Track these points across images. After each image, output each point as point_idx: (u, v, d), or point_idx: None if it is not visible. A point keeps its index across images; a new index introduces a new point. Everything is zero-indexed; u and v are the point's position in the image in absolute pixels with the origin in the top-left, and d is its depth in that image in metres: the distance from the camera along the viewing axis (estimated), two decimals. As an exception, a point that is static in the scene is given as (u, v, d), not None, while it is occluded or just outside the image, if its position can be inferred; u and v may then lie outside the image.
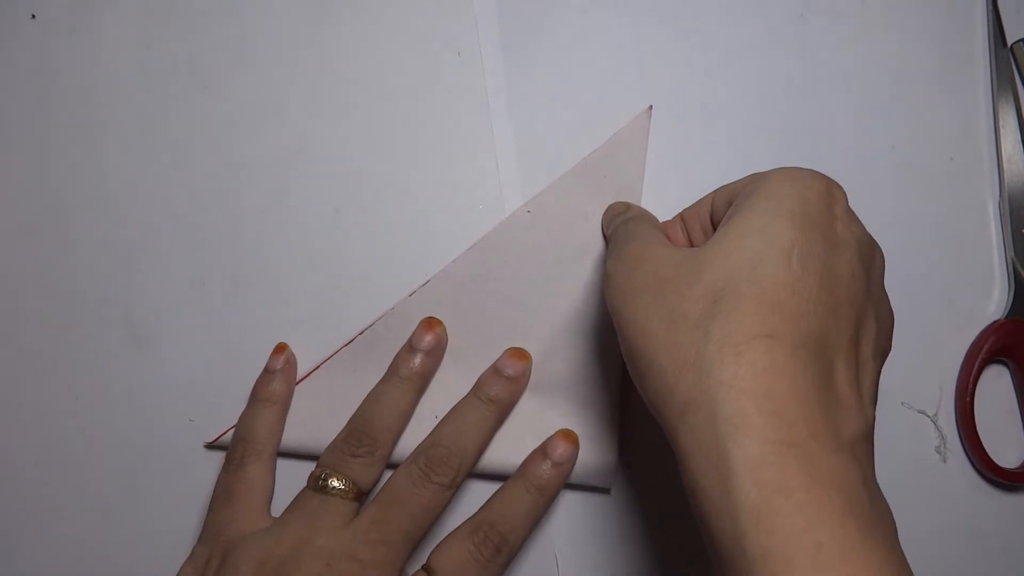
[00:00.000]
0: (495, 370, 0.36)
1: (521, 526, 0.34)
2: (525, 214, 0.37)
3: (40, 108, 0.39)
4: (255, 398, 0.37)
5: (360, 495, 0.34)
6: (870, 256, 0.28)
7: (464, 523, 0.34)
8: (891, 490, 0.38)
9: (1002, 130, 0.40)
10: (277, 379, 0.37)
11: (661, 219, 0.35)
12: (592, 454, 0.37)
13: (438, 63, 0.39)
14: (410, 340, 0.37)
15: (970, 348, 0.39)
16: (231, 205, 0.39)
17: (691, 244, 0.33)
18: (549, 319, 0.37)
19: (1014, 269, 0.39)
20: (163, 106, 0.39)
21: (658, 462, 0.38)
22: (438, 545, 0.34)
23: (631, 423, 0.38)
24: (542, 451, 0.36)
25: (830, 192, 0.27)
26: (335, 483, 0.34)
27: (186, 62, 0.39)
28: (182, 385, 0.38)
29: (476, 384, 0.36)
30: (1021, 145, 0.40)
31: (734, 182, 0.30)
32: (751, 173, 0.30)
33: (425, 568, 0.34)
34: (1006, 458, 0.39)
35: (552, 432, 0.37)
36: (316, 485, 0.34)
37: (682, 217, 0.33)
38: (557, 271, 0.37)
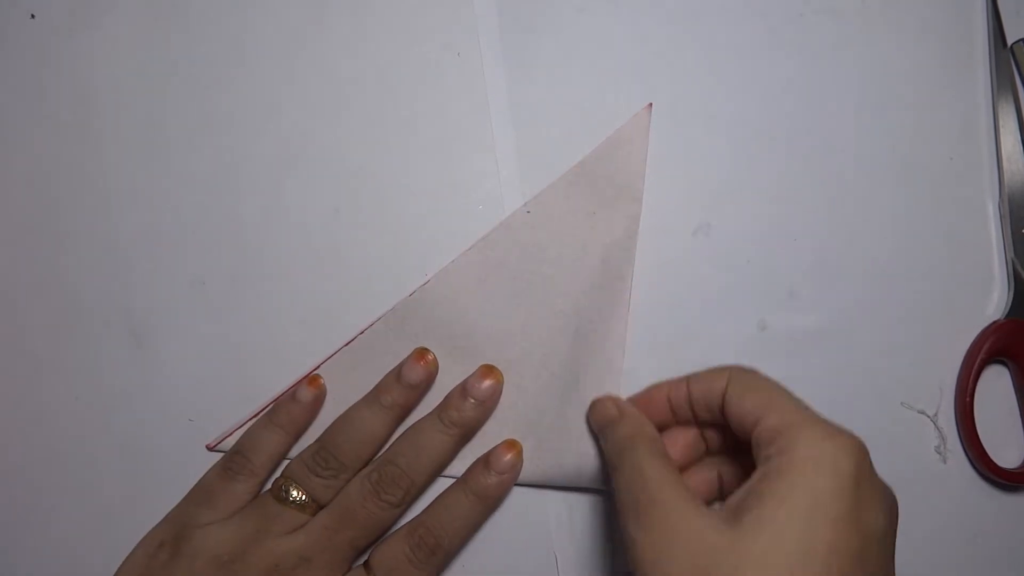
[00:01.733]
0: (463, 391, 0.36)
1: (456, 532, 0.35)
2: (525, 214, 0.37)
3: (40, 108, 0.39)
4: (272, 421, 0.36)
5: (317, 509, 0.35)
6: (893, 524, 0.29)
7: (404, 524, 0.36)
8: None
9: (1002, 130, 0.40)
10: (301, 410, 0.37)
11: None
12: (591, 454, 0.37)
13: (438, 63, 0.39)
14: (400, 369, 0.36)
15: (970, 348, 0.39)
16: (231, 205, 0.39)
17: (694, 415, 0.33)
18: (549, 319, 0.37)
19: (1014, 269, 0.39)
20: (163, 106, 0.39)
21: (658, 462, 0.38)
22: (378, 544, 0.35)
23: (631, 423, 0.38)
24: (485, 460, 0.36)
25: (860, 470, 0.27)
26: (295, 495, 0.35)
27: (186, 62, 0.39)
28: (182, 385, 0.38)
29: (443, 403, 0.36)
30: (1021, 145, 0.40)
31: (755, 384, 0.31)
32: (775, 386, 0.30)
33: (365, 565, 0.35)
34: (1006, 458, 0.39)
35: (552, 432, 0.37)
36: (278, 494, 0.35)
37: (690, 386, 0.33)
38: (558, 270, 0.37)
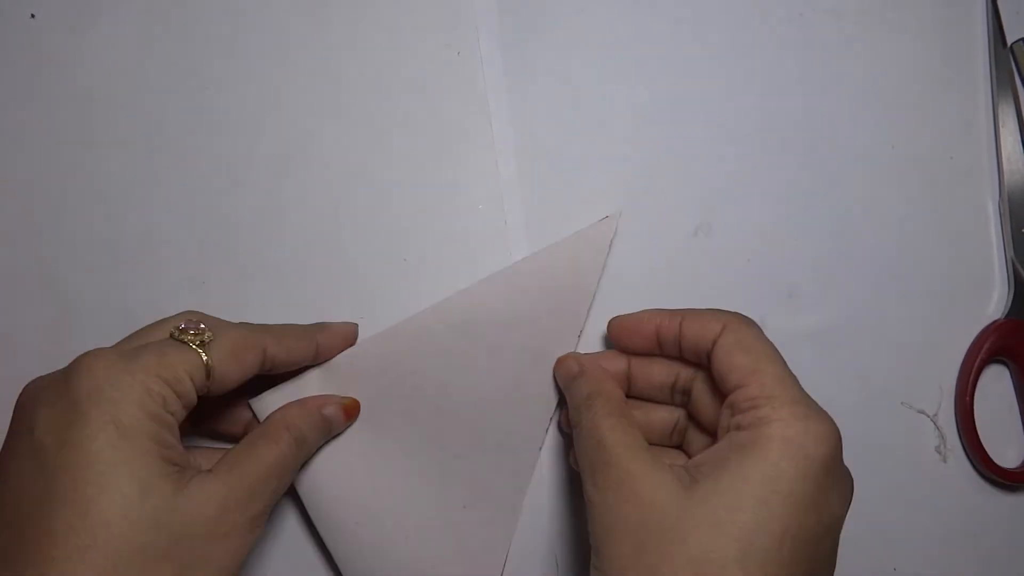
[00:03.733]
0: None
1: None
2: (471, 291, 0.36)
3: (40, 108, 0.39)
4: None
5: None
6: (847, 510, 0.29)
7: None
8: (891, 490, 0.39)
9: (1002, 130, 0.40)
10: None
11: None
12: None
13: (437, 62, 0.39)
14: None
15: (970, 348, 0.39)
16: (231, 205, 0.39)
17: (680, 353, 0.33)
18: (473, 395, 0.36)
19: (1014, 269, 0.39)
20: (163, 106, 0.39)
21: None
22: None
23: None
24: None
25: (829, 457, 0.27)
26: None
27: (185, 62, 0.39)
28: (182, 385, 0.38)
29: None
30: (1021, 145, 0.40)
31: (747, 343, 0.30)
32: (765, 350, 0.30)
33: None
34: (1006, 458, 0.39)
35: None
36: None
37: (683, 324, 0.32)
38: (488, 361, 0.36)
